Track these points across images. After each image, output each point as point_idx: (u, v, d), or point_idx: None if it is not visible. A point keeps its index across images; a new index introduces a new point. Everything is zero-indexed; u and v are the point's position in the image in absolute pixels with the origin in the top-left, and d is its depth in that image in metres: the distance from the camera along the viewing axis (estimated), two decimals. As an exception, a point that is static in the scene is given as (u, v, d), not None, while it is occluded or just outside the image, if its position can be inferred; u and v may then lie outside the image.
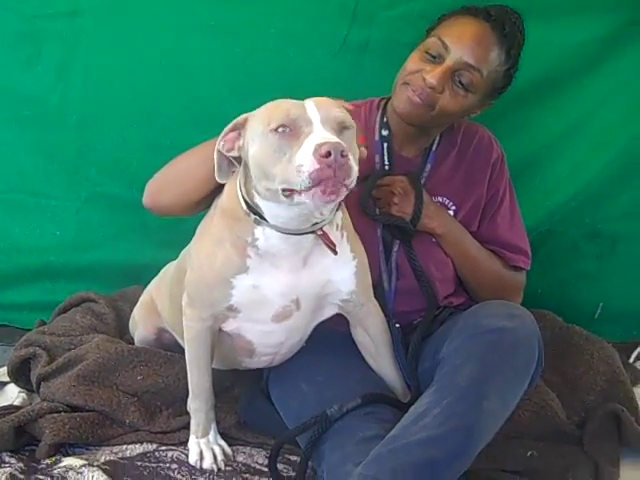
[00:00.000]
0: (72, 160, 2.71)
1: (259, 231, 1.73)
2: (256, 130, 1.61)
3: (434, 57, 1.98)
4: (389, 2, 2.51)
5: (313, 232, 1.71)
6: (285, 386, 2.04)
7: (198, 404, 1.95)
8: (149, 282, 2.38)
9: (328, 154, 1.43)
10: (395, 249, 2.11)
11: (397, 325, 2.07)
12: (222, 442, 1.99)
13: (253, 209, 1.70)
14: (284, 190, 1.53)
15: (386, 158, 2.14)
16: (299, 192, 1.49)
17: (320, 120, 1.53)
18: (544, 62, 2.52)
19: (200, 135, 2.54)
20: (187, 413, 2.01)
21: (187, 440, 1.97)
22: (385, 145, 2.14)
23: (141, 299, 2.38)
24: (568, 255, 2.73)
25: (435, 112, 1.99)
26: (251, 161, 1.62)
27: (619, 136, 2.58)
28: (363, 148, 1.70)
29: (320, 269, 1.80)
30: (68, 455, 1.96)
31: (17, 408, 2.10)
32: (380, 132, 2.15)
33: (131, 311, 2.44)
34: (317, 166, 1.44)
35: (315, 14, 2.52)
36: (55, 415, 1.99)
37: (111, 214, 2.77)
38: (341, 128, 1.57)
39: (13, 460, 1.91)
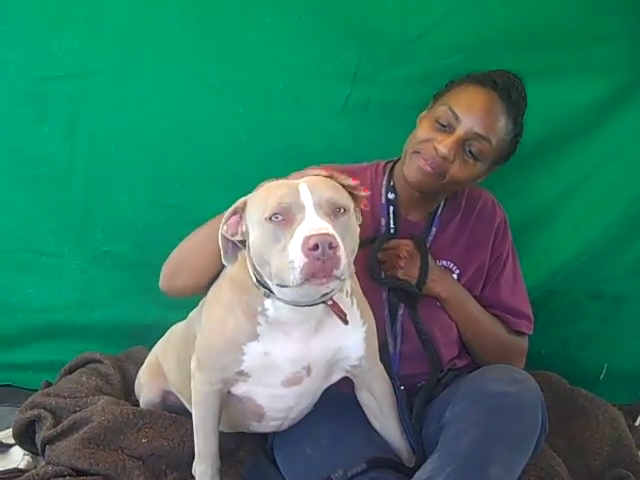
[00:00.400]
0: (78, 219, 2.73)
1: (269, 303, 1.73)
2: (254, 217, 1.61)
3: (444, 126, 2.01)
4: (390, 63, 2.54)
5: (324, 302, 1.71)
6: (290, 449, 2.03)
7: (204, 468, 1.93)
8: (154, 342, 2.38)
9: (316, 247, 1.43)
10: (400, 312, 2.12)
11: (402, 388, 2.07)
12: (228, 506, 1.97)
13: (262, 283, 1.71)
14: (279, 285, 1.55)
15: (392, 221, 2.16)
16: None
17: (313, 204, 1.53)
18: (545, 123, 2.55)
19: (205, 194, 2.60)
20: (192, 477, 1.99)
21: (192, 504, 1.95)
22: (391, 209, 2.16)
23: (147, 361, 2.37)
24: (571, 315, 2.73)
25: (446, 180, 2.02)
26: (251, 249, 1.64)
27: (620, 196, 2.60)
28: (359, 215, 1.71)
29: (332, 337, 1.80)
30: (73, 520, 1.94)
31: (22, 471, 2.09)
32: (387, 195, 2.17)
33: (137, 372, 2.43)
34: (305, 260, 1.44)
35: (318, 75, 2.56)
36: (60, 479, 1.97)
37: (117, 274, 2.77)
38: (335, 211, 1.55)
39: (17, 526, 1.89)
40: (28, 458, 2.23)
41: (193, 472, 1.99)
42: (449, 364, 2.18)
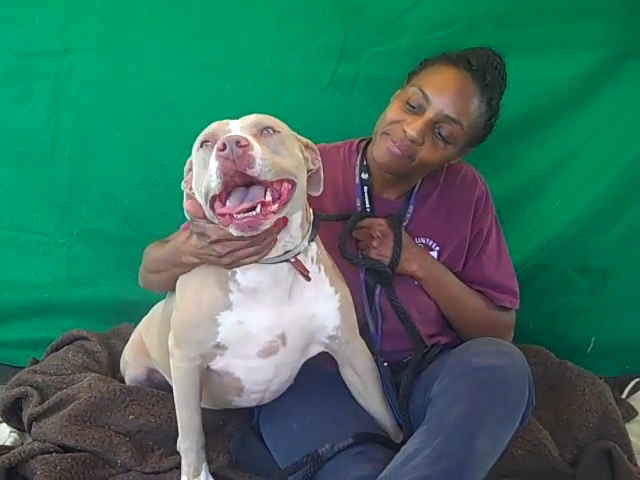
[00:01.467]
0: (64, 197, 2.72)
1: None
2: (192, 155, 1.64)
3: (414, 107, 1.97)
4: (377, 39, 2.53)
5: (287, 260, 1.72)
6: (276, 425, 2.03)
7: (188, 444, 1.92)
8: (141, 319, 2.37)
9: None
10: (377, 292, 2.11)
11: (385, 364, 2.08)
12: (214, 482, 1.97)
13: None
14: (212, 208, 1.54)
15: (367, 201, 2.14)
16: (219, 201, 1.51)
17: (239, 127, 1.56)
18: (531, 97, 2.55)
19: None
20: (179, 453, 1.99)
21: (179, 480, 1.95)
22: (365, 188, 2.14)
23: (131, 338, 2.37)
24: (559, 289, 2.73)
25: (415, 163, 1.99)
26: (193, 186, 1.64)
27: (608, 170, 2.59)
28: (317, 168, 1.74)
29: (303, 303, 1.79)
30: (60, 497, 1.94)
31: (8, 449, 2.08)
32: (360, 175, 2.15)
33: (123, 349, 2.43)
34: (216, 163, 1.45)
35: (304, 51, 2.54)
36: (47, 456, 1.96)
37: (103, 251, 2.77)
38: (261, 131, 1.57)
39: (4, 502, 1.88)
40: (15, 435, 2.22)
41: (178, 449, 2.00)
42: (432, 340, 2.17)
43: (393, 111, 2.02)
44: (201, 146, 1.59)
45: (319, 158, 1.75)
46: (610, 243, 2.67)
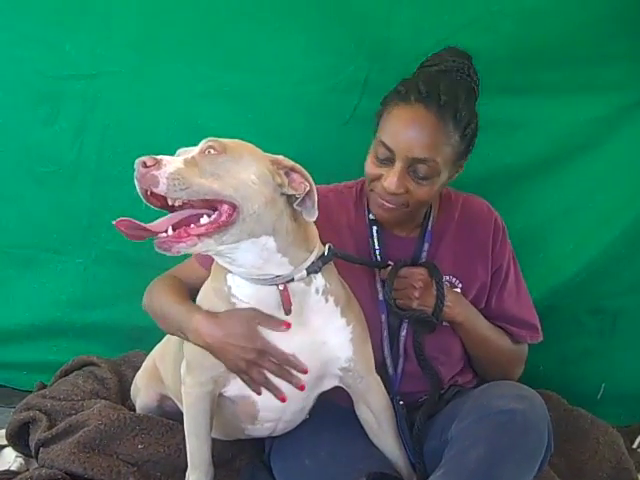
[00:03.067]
0: (84, 218, 2.74)
1: (230, 278, 1.75)
2: None
3: (384, 161, 1.93)
4: (400, 75, 2.50)
5: (276, 285, 1.72)
6: (288, 460, 2.00)
7: (197, 476, 1.90)
8: (153, 346, 2.36)
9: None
10: (403, 334, 2.09)
11: (401, 402, 2.05)
12: (223, 517, 1.95)
13: None
14: None
15: (376, 242, 2.11)
16: None
17: (194, 148, 1.63)
18: (548, 138, 2.57)
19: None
20: (187, 485, 1.97)
21: (187, 514, 1.92)
22: (374, 228, 2.11)
23: (144, 365, 2.36)
24: (570, 331, 2.72)
25: (411, 207, 1.97)
26: None
27: (624, 213, 2.60)
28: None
29: (313, 329, 1.79)
30: (66, 524, 1.92)
31: (14, 473, 2.07)
32: (369, 216, 2.12)
33: (134, 376, 2.41)
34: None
35: (327, 83, 2.56)
36: (54, 483, 1.95)
37: (119, 273, 2.78)
38: (204, 149, 1.60)
39: (9, 529, 1.87)
40: (21, 460, 2.20)
41: (186, 481, 1.97)
42: (450, 381, 2.16)
43: (369, 167, 1.98)
44: None
45: (308, 182, 1.70)
46: (622, 285, 2.67)
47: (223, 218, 1.55)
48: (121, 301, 2.77)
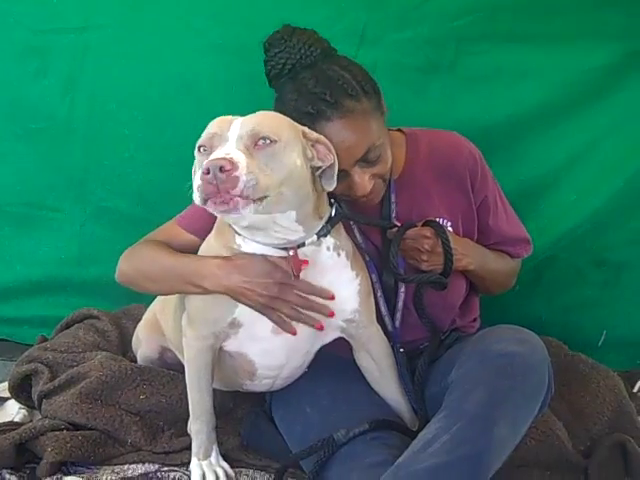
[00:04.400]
0: (78, 174, 2.72)
1: (240, 239, 1.75)
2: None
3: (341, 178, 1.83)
4: (398, 25, 2.50)
5: (285, 249, 1.72)
6: (289, 409, 2.02)
7: (199, 426, 1.92)
8: (152, 300, 2.36)
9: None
10: (402, 289, 2.06)
11: (401, 350, 2.06)
12: (224, 464, 1.94)
13: None
14: None
15: None
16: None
17: (236, 137, 1.56)
18: (550, 88, 2.53)
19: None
20: (189, 434, 1.98)
21: (189, 461, 1.93)
22: None
23: (145, 317, 2.36)
24: (572, 282, 2.71)
25: (385, 179, 1.94)
26: None
27: (627, 164, 2.56)
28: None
29: (323, 287, 1.79)
30: (69, 474, 1.93)
31: (18, 425, 2.08)
32: None
33: (134, 329, 2.42)
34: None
35: (324, 35, 2.46)
36: (57, 433, 1.96)
37: (115, 229, 2.76)
38: (256, 142, 1.56)
39: (14, 478, 1.88)
40: (24, 412, 2.22)
41: (188, 430, 1.98)
42: (450, 324, 2.16)
43: (338, 187, 1.80)
44: (199, 150, 1.62)
45: (332, 154, 1.70)
46: (625, 237, 2.64)
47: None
48: (118, 257, 2.71)
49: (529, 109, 2.53)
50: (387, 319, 2.06)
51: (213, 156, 1.51)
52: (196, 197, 1.52)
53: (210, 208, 1.52)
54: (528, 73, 2.52)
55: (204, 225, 1.91)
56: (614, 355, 2.67)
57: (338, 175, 1.75)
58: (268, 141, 1.56)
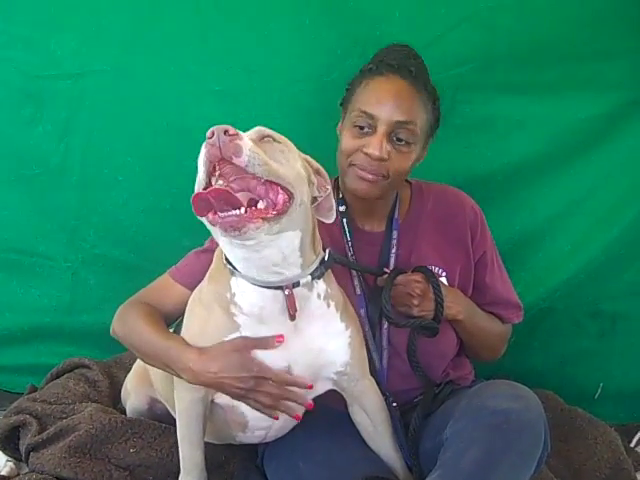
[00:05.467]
0: (71, 221, 2.70)
1: (234, 282, 1.71)
2: None
3: (364, 129, 1.97)
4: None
5: (280, 288, 1.68)
6: (282, 464, 1.98)
7: None
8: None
9: (212, 134, 1.45)
10: (385, 327, 2.07)
11: (394, 404, 2.04)
12: (216, 521, 1.92)
13: (229, 261, 1.70)
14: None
15: (348, 234, 2.11)
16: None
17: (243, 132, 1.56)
18: (546, 137, 2.53)
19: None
20: (180, 489, 1.95)
21: (179, 518, 1.89)
22: (344, 221, 2.11)
23: (134, 368, 2.33)
24: (568, 333, 2.69)
25: (390, 178, 1.98)
26: None
27: (622, 214, 2.57)
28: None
29: (311, 336, 1.77)
30: (56, 530, 1.90)
31: (4, 478, 2.05)
32: (338, 209, 2.09)
33: (125, 378, 2.39)
34: (204, 150, 1.47)
35: (319, 83, 2.52)
36: (44, 488, 1.93)
37: (108, 277, 2.74)
38: (261, 137, 1.59)
39: (-1, 535, 1.85)
40: (11, 464, 2.18)
41: (179, 486, 1.95)
42: (443, 374, 2.15)
43: (347, 141, 2.00)
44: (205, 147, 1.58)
45: (328, 186, 1.74)
46: (621, 288, 2.64)
47: (280, 204, 1.53)
48: (110, 304, 2.65)
49: (524, 159, 2.54)
50: (375, 355, 2.05)
51: None
52: (199, 174, 1.51)
53: (222, 230, 1.47)
54: (524, 123, 2.53)
55: (199, 278, 1.89)
56: (611, 408, 2.65)
57: (363, 129, 1.95)
58: (272, 140, 1.60)
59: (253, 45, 2.51)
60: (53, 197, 2.67)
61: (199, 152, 2.43)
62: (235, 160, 1.44)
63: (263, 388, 1.74)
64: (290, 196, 1.55)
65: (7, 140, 2.64)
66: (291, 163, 1.60)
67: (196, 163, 1.75)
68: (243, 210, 1.46)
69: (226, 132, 1.44)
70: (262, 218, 1.47)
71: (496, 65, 2.45)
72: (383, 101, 1.95)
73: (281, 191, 1.53)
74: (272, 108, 2.54)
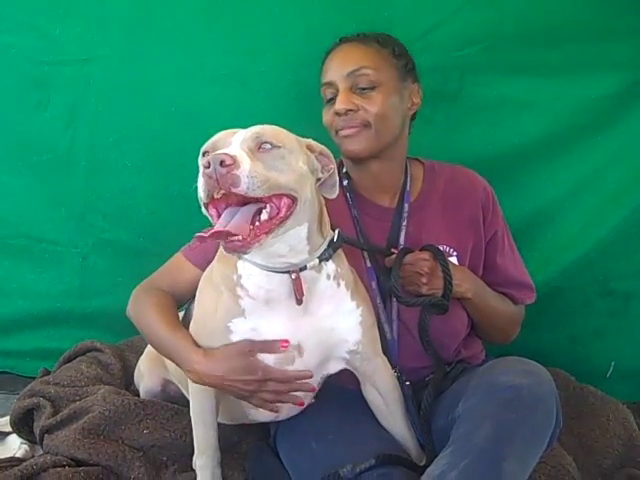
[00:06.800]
0: (79, 206, 2.70)
1: (241, 265, 1.73)
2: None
3: (332, 97, 2.07)
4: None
5: (288, 272, 1.69)
6: (294, 443, 1.99)
7: (204, 461, 1.89)
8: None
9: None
10: (395, 302, 2.08)
11: (407, 382, 2.03)
12: (229, 499, 1.93)
13: None
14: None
15: (354, 209, 2.13)
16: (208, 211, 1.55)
17: (240, 141, 1.56)
18: (555, 118, 2.52)
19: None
20: (193, 469, 1.96)
21: (194, 497, 1.90)
22: (348, 195, 2.14)
23: (147, 350, 2.34)
24: (580, 312, 2.69)
25: (373, 127, 2.01)
26: None
27: (631, 193, 2.55)
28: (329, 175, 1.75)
29: (320, 316, 1.77)
30: (71, 511, 1.90)
31: (20, 460, 2.07)
32: (343, 184, 2.14)
33: (137, 362, 2.40)
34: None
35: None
36: (59, 469, 1.94)
37: (117, 261, 2.75)
38: (260, 145, 1.57)
39: (15, 516, 1.85)
40: (25, 447, 2.20)
41: (193, 465, 1.96)
42: (454, 353, 2.15)
43: (325, 117, 2.12)
44: (203, 155, 1.60)
45: (333, 165, 1.75)
46: (632, 267, 2.62)
47: (283, 211, 1.55)
48: (120, 288, 2.67)
49: (533, 139, 2.52)
50: (386, 326, 2.06)
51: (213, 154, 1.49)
52: (202, 196, 1.51)
53: (212, 212, 1.53)
54: (532, 103, 2.51)
55: (211, 258, 1.90)
56: (623, 386, 2.63)
57: (331, 99, 2.06)
58: (270, 146, 1.57)
59: (260, 29, 2.51)
60: (61, 183, 2.68)
61: (206, 136, 2.45)
62: (234, 190, 1.46)
63: (267, 388, 1.78)
64: (294, 199, 1.57)
65: (14, 126, 2.65)
66: (292, 166, 1.60)
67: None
68: (243, 236, 1.48)
69: (222, 163, 1.44)
70: (266, 233, 1.51)
71: (504, 46, 2.44)
72: (335, 65, 2.07)
73: (285, 197, 1.55)
74: (278, 92, 2.54)
